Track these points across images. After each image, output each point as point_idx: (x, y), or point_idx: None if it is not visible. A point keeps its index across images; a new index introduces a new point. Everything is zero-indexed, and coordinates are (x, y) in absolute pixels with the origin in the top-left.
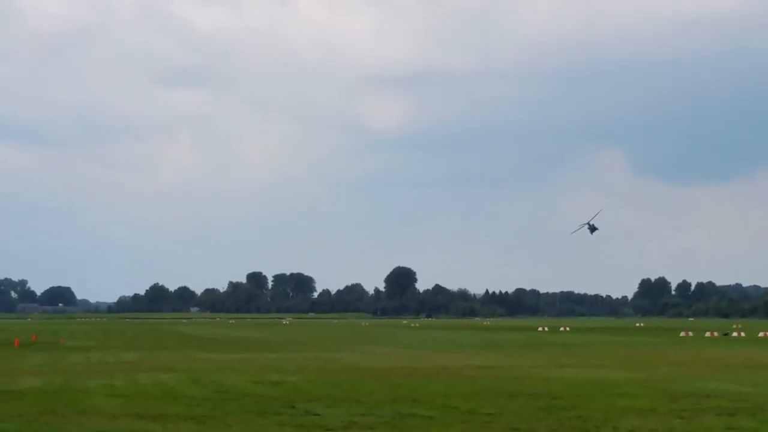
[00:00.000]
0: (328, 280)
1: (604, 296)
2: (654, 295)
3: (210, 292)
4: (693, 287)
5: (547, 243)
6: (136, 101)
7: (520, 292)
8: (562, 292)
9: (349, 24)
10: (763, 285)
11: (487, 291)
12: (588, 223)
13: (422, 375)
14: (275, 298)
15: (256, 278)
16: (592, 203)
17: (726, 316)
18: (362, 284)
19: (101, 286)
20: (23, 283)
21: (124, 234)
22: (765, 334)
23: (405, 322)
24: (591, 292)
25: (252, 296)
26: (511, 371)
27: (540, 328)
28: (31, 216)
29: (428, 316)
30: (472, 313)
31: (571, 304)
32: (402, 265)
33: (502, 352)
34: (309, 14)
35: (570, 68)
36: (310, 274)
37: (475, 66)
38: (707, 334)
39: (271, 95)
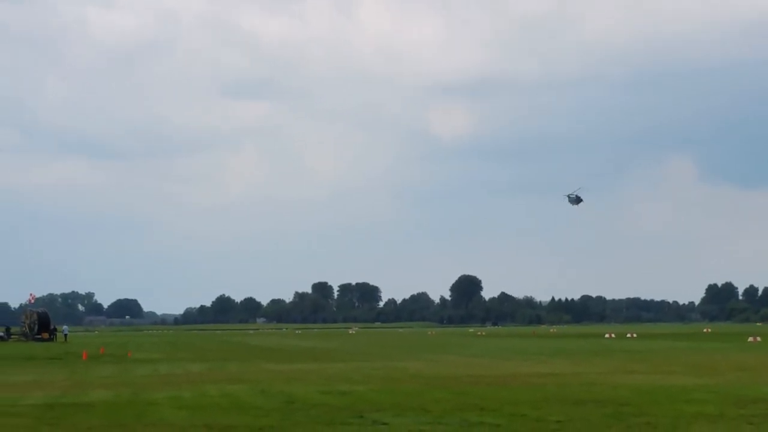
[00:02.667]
0: (394, 290)
1: (671, 302)
2: (721, 301)
3: (276, 303)
4: (760, 292)
5: (614, 249)
6: (202, 114)
7: (586, 298)
8: (628, 299)
9: (414, 33)
10: None
11: (553, 298)
12: (570, 195)
13: (489, 383)
14: (341, 308)
15: (321, 288)
16: (659, 209)
17: None
18: (428, 293)
19: (168, 298)
20: (90, 296)
21: (191, 246)
22: None
23: (471, 330)
24: (657, 298)
25: (318, 306)
26: (579, 378)
27: (607, 335)
28: (98, 229)
29: (494, 324)
30: (539, 320)
31: (637, 311)
32: (467, 273)
33: (569, 359)
34: (373, 24)
35: (635, 74)
36: (375, 284)
37: (540, 73)
38: None
39: (337, 105)
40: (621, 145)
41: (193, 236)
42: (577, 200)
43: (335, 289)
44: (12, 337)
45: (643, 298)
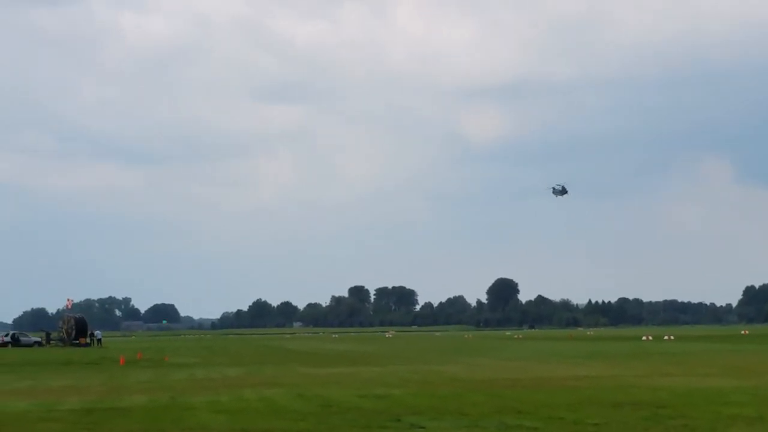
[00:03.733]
0: (430, 293)
1: (708, 304)
2: (759, 302)
3: (312, 307)
4: None
5: (650, 252)
6: (236, 118)
7: (623, 301)
8: (665, 301)
9: (447, 35)
10: None
11: (589, 301)
12: (555, 186)
13: (526, 386)
14: (378, 312)
15: (358, 292)
16: (695, 210)
17: None
18: (464, 296)
19: (204, 302)
20: (127, 300)
21: (227, 250)
22: None
23: (508, 333)
24: (695, 300)
25: (354, 310)
26: (616, 381)
27: (644, 337)
28: (134, 234)
29: (531, 327)
30: (575, 323)
31: (674, 313)
32: (504, 276)
33: (606, 362)
34: (406, 27)
35: (671, 75)
36: (412, 287)
37: (574, 75)
38: None
39: (370, 109)
40: (656, 146)
41: (229, 241)
42: (562, 191)
43: (372, 292)
44: (50, 342)
45: (680, 300)
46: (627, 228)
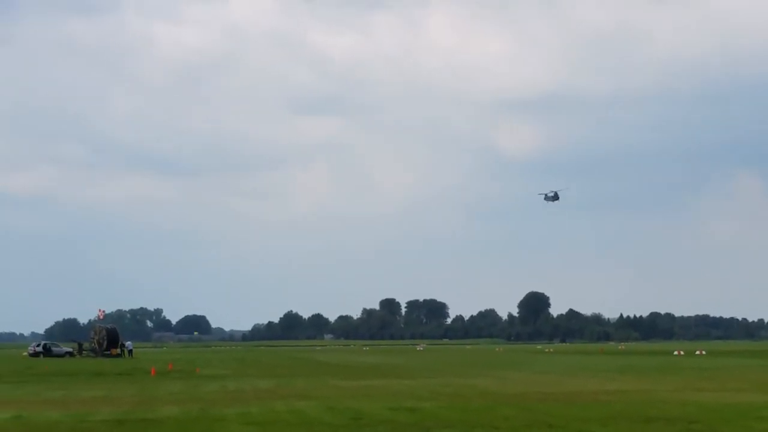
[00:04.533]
0: (462, 306)
1: (740, 319)
2: None
3: (344, 319)
4: None
5: (682, 266)
6: (270, 130)
7: (654, 315)
8: (697, 316)
9: (481, 48)
10: None
11: (621, 315)
12: (547, 193)
13: (557, 400)
14: (409, 325)
15: (389, 305)
16: (728, 225)
17: None
18: (495, 309)
19: (236, 314)
20: (159, 312)
21: (259, 262)
22: None
23: (539, 347)
24: (727, 315)
25: (385, 323)
26: (647, 395)
27: (675, 352)
28: (166, 245)
29: (562, 340)
30: (607, 337)
31: (706, 328)
32: (535, 290)
33: (637, 377)
34: (440, 40)
35: (705, 89)
36: (443, 300)
37: (608, 89)
38: None
39: (405, 121)
40: (691, 161)
41: (261, 252)
42: (554, 198)
43: (403, 305)
44: (82, 352)
45: (712, 315)
46: (659, 242)
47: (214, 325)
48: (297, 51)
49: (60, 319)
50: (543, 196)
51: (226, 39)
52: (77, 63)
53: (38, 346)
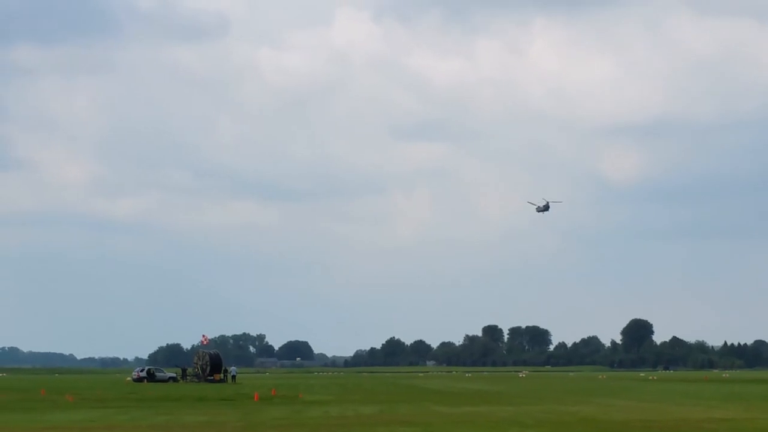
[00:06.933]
0: (564, 333)
1: None
2: None
3: (446, 346)
4: None
5: None
6: (374, 155)
7: (759, 343)
8: None
9: (584, 73)
10: None
11: (725, 343)
12: (539, 205)
13: (661, 428)
14: (511, 351)
15: (491, 331)
16: None
17: None
18: (598, 336)
19: (338, 340)
20: (261, 337)
21: (361, 287)
22: None
23: (642, 374)
24: None
25: (488, 349)
26: (753, 424)
27: None
28: (269, 271)
29: (666, 368)
30: (710, 365)
31: None
32: (638, 317)
33: (742, 405)
34: (543, 64)
35: None
36: (546, 327)
37: (714, 114)
38: None
39: (508, 146)
40: None
41: (363, 278)
42: (545, 208)
43: (505, 332)
44: (186, 378)
45: None
46: (764, 269)
47: (316, 350)
48: (399, 76)
49: (163, 344)
50: (535, 208)
51: (329, 64)
52: (182, 89)
53: (142, 371)
